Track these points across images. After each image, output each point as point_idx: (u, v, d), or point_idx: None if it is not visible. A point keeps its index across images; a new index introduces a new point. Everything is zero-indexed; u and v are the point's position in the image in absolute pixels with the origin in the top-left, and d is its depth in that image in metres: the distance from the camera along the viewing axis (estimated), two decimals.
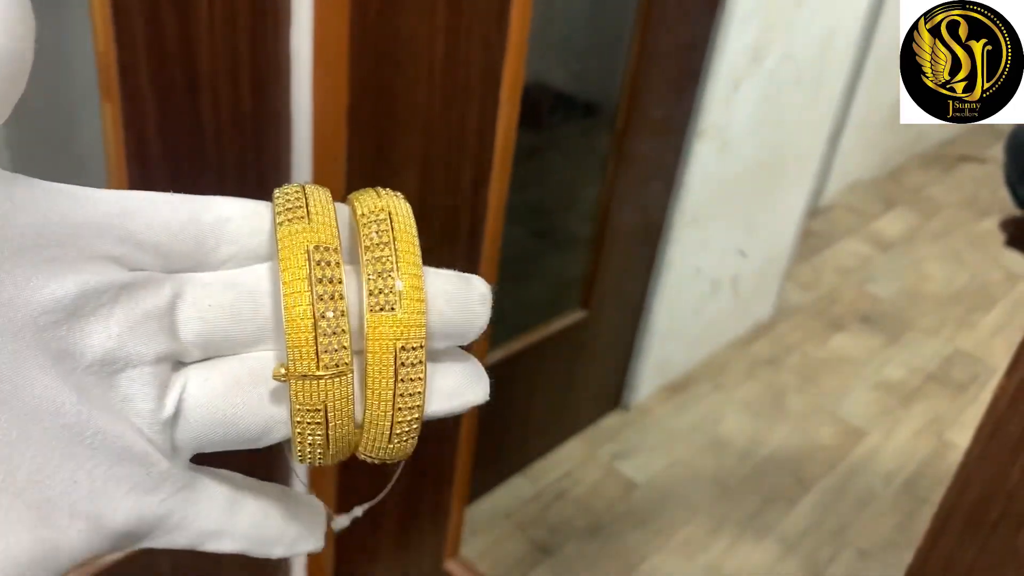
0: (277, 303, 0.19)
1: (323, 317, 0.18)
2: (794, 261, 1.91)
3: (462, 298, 0.20)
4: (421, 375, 0.19)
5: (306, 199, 0.20)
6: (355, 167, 0.78)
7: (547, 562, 1.30)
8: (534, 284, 1.36)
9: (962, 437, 1.63)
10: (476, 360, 0.21)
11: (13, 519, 0.16)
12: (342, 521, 0.25)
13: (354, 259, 0.20)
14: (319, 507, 0.23)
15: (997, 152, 2.86)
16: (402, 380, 0.19)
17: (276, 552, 0.21)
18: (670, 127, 1.33)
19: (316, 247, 0.19)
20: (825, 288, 2.08)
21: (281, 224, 0.19)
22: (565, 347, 1.40)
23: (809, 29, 1.44)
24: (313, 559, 0.98)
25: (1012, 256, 2.09)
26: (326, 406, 0.19)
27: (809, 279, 2.10)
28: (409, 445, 0.20)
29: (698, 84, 1.31)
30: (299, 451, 0.20)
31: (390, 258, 0.19)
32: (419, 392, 0.19)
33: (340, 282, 0.18)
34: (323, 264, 0.18)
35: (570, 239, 1.41)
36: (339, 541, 0.95)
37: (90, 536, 0.17)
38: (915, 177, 2.72)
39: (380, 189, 0.21)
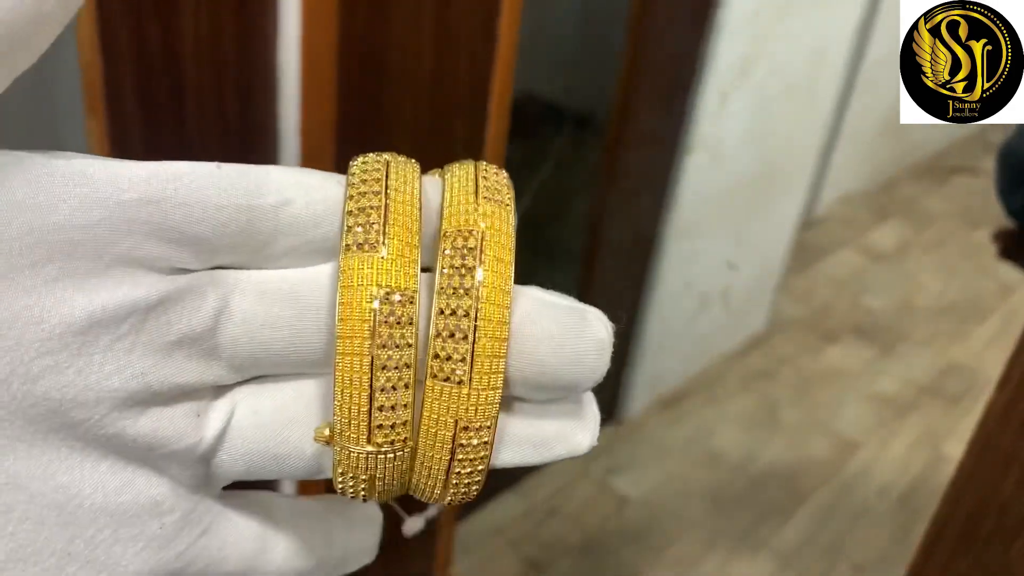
0: None
1: (382, 391, 0.15)
2: (787, 273, 1.91)
3: (572, 347, 0.16)
4: (484, 458, 0.16)
5: (386, 191, 0.15)
6: None
7: None
8: None
9: (957, 450, 1.62)
10: (584, 399, 0.17)
11: None
12: (415, 523, 0.22)
13: (432, 258, 0.16)
14: (374, 516, 0.20)
15: (989, 164, 2.86)
16: (459, 460, 0.16)
17: None
18: (661, 139, 1.33)
19: (387, 295, 0.15)
20: (818, 300, 2.08)
21: (347, 248, 0.15)
22: None
23: (800, 41, 1.44)
24: None
25: (1005, 268, 2.09)
26: (373, 476, 0.16)
27: (802, 291, 2.10)
28: (466, 498, 0.17)
29: (689, 96, 1.31)
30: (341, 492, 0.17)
31: (468, 316, 0.15)
32: (479, 475, 0.16)
33: (410, 347, 0.15)
34: (391, 322, 0.15)
35: (561, 253, 1.40)
36: None
37: None
38: (908, 189, 2.73)
39: (482, 177, 0.16)
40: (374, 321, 0.15)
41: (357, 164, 0.16)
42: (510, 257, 0.15)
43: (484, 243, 0.15)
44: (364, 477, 0.16)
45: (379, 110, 0.77)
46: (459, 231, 0.15)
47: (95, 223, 0.14)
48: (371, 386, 0.15)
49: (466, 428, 0.15)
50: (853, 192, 2.57)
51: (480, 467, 0.16)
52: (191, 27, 0.66)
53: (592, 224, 1.32)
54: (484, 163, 0.17)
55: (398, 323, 0.15)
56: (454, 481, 0.16)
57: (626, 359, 1.55)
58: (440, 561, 1.07)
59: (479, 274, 0.15)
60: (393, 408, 0.15)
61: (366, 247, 0.15)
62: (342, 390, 0.15)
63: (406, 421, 0.15)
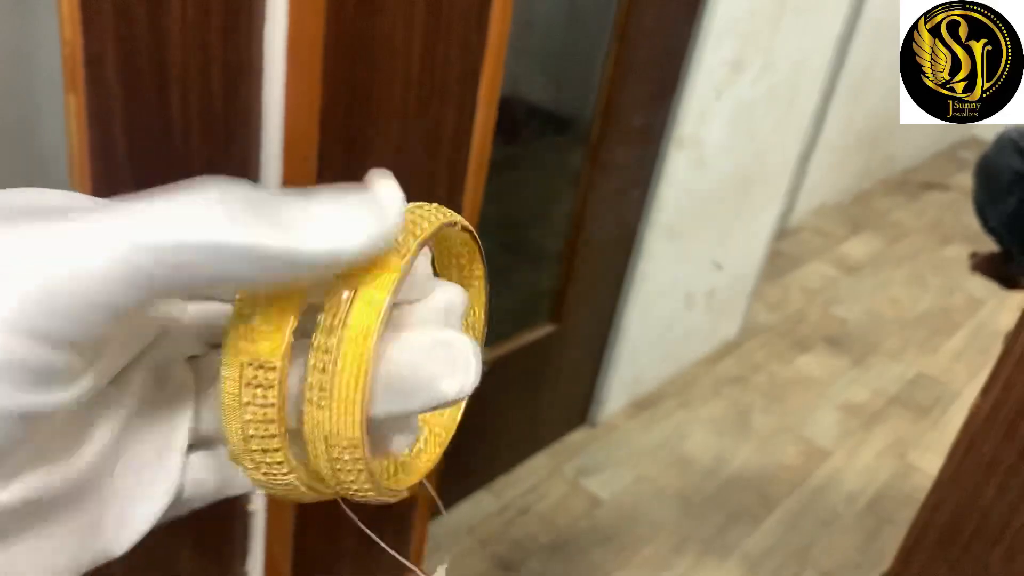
0: None
1: (252, 437, 0.18)
2: (762, 281, 1.92)
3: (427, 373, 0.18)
4: (360, 468, 0.18)
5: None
6: (326, 170, 0.76)
7: None
8: (504, 297, 1.35)
9: (924, 459, 1.64)
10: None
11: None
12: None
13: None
14: None
15: (961, 180, 2.91)
16: (339, 471, 0.18)
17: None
18: (645, 138, 1.33)
19: (251, 363, 0.17)
20: (791, 309, 2.10)
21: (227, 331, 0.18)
22: (533, 361, 1.39)
23: (785, 49, 1.45)
24: (270, 573, 0.95)
25: (974, 282, 2.12)
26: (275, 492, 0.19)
27: (776, 299, 2.11)
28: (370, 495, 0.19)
29: (674, 96, 1.31)
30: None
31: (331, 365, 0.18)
32: (358, 484, 0.18)
33: (274, 411, 0.18)
34: (253, 384, 0.17)
35: (542, 253, 1.40)
36: (298, 555, 0.92)
37: None
38: (881, 202, 2.76)
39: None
40: (241, 383, 0.17)
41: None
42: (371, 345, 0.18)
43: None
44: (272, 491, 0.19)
45: (366, 99, 0.75)
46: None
47: None
48: (244, 434, 0.18)
49: (335, 446, 0.18)
50: (827, 204, 2.60)
51: (362, 474, 0.18)
52: (178, 7, 0.64)
53: (574, 223, 1.32)
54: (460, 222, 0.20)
55: (262, 387, 0.17)
56: (347, 489, 0.18)
57: (602, 361, 1.55)
58: (412, 559, 1.06)
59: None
60: (266, 451, 0.18)
61: (238, 326, 0.18)
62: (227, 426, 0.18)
63: (281, 463, 0.18)
